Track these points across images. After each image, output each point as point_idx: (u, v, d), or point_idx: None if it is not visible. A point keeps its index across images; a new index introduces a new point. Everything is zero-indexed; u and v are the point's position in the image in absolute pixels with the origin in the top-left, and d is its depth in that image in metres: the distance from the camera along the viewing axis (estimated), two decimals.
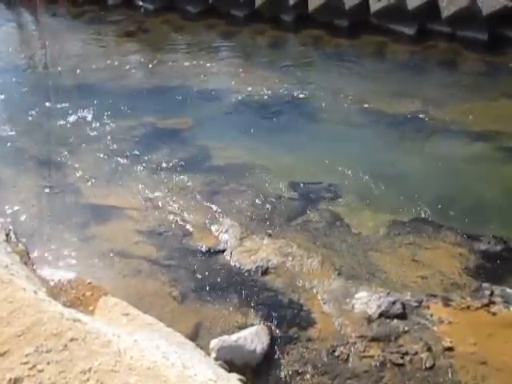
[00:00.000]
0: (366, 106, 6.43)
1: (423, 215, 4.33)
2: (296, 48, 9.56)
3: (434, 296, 3.49)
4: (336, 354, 3.11)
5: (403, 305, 3.40)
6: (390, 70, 7.88)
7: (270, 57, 8.87)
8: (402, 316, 3.34)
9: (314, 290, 3.60)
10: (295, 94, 6.93)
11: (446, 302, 3.43)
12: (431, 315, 3.33)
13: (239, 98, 6.95)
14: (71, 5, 13.12)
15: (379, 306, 3.39)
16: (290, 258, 3.88)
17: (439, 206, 4.44)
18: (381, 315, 3.34)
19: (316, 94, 6.89)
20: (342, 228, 4.24)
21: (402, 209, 4.44)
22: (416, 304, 3.42)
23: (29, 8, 13.84)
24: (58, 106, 6.90)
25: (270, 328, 3.29)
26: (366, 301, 3.45)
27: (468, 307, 3.38)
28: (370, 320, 3.33)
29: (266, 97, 6.90)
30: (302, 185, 4.85)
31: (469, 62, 8.00)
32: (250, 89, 7.19)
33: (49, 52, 9.77)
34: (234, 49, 9.41)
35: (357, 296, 3.52)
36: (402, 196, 4.64)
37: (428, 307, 3.39)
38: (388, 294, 3.50)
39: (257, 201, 4.61)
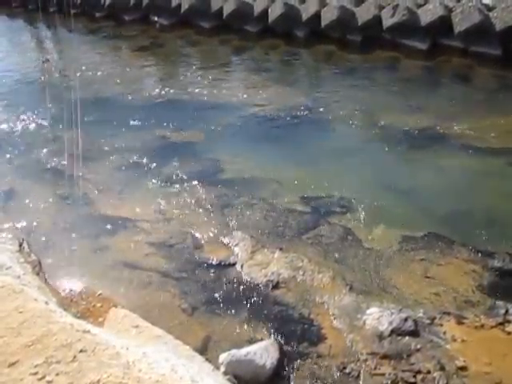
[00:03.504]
0: (378, 120, 6.43)
1: (436, 230, 4.28)
2: (308, 63, 9.63)
3: (447, 313, 3.42)
4: (347, 370, 3.05)
5: (415, 322, 3.34)
6: (402, 85, 7.89)
7: (283, 71, 8.96)
8: (414, 333, 3.27)
9: (325, 305, 3.55)
10: (307, 108, 6.96)
11: (460, 319, 3.36)
12: (444, 333, 3.26)
13: (251, 111, 7.01)
14: (89, 20, 13.45)
15: (391, 323, 3.33)
16: (301, 272, 3.84)
17: (452, 222, 4.39)
18: (392, 332, 3.28)
19: (328, 109, 6.91)
20: (354, 242, 4.20)
21: (414, 224, 4.40)
22: (428, 321, 3.36)
23: (47, 23, 14.23)
24: (73, 118, 7.01)
25: (279, 343, 3.25)
26: (378, 317, 3.40)
27: (482, 326, 3.30)
28: (381, 337, 3.27)
29: (278, 111, 6.93)
30: (313, 199, 4.83)
31: (482, 77, 7.98)
32: (262, 103, 7.25)
33: (66, 66, 9.98)
34: (247, 63, 9.53)
35: (368, 312, 3.47)
36: (414, 211, 4.60)
37: (441, 325, 3.33)
38: (400, 310, 3.44)
39: (268, 214, 4.60)
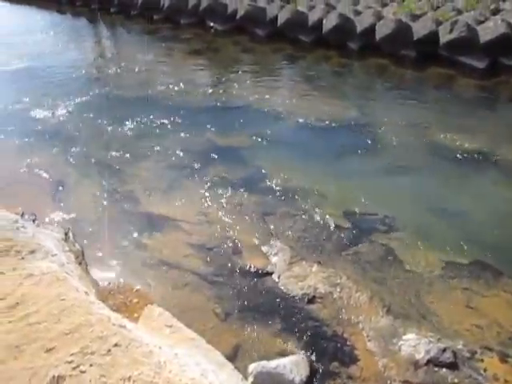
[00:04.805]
0: (428, 139, 6.25)
1: (482, 259, 4.09)
2: (360, 76, 9.50)
3: (490, 349, 3.24)
4: None
5: (454, 354, 3.19)
6: (456, 105, 7.62)
7: (333, 83, 8.88)
8: (452, 366, 3.13)
9: (360, 326, 3.46)
10: (355, 122, 6.86)
11: (503, 357, 3.18)
12: (485, 370, 3.09)
13: (299, 121, 6.98)
14: (147, 22, 13.90)
15: (428, 352, 3.20)
16: (338, 289, 3.76)
17: (500, 251, 4.17)
18: (429, 362, 3.15)
19: (377, 124, 6.78)
20: (395, 264, 4.07)
21: (459, 250, 4.22)
22: (468, 355, 3.19)
23: (107, 23, 14.82)
24: (125, 115, 7.22)
25: (310, 359, 3.19)
26: (415, 344, 3.28)
27: None
28: (416, 365, 3.15)
29: (325, 122, 6.87)
30: (356, 214, 4.74)
31: None
32: (310, 113, 7.20)
33: (120, 64, 10.32)
34: (298, 73, 9.52)
35: (405, 337, 3.35)
36: (460, 236, 4.41)
37: (482, 360, 3.16)
38: (438, 339, 3.30)
39: (309, 226, 4.55)
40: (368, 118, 6.98)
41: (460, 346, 3.26)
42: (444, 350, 3.20)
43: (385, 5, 11.86)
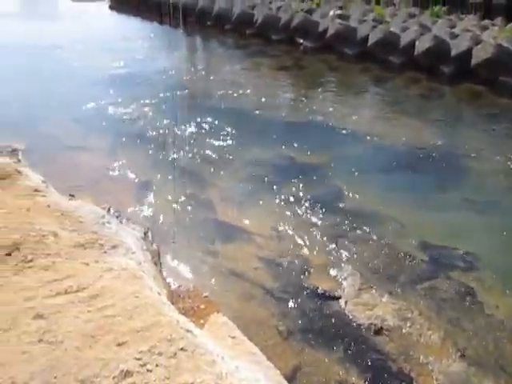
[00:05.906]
0: None
1: None
2: (450, 102, 9.08)
3: None
4: None
5: None
6: None
7: (421, 108, 8.56)
8: None
9: (429, 367, 3.25)
10: (443, 150, 6.55)
11: None
12: None
13: (381, 143, 6.81)
14: (239, 36, 14.40)
15: None
16: (409, 324, 3.57)
17: None
18: None
19: (463, 153, 6.43)
20: (474, 305, 3.79)
21: None
22: None
23: (202, 35, 15.58)
24: (206, 123, 7.49)
25: None
26: None
27: None
28: None
29: (409, 148, 6.63)
30: (434, 247, 4.49)
31: None
32: (392, 137, 7.00)
33: (208, 75, 10.75)
34: (385, 95, 9.30)
35: None
36: None
37: None
38: None
39: (383, 254, 4.38)
40: (456, 148, 6.63)
41: None
42: None
43: (484, 28, 11.31)
